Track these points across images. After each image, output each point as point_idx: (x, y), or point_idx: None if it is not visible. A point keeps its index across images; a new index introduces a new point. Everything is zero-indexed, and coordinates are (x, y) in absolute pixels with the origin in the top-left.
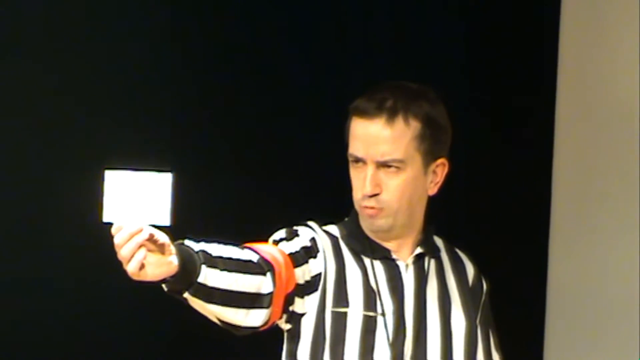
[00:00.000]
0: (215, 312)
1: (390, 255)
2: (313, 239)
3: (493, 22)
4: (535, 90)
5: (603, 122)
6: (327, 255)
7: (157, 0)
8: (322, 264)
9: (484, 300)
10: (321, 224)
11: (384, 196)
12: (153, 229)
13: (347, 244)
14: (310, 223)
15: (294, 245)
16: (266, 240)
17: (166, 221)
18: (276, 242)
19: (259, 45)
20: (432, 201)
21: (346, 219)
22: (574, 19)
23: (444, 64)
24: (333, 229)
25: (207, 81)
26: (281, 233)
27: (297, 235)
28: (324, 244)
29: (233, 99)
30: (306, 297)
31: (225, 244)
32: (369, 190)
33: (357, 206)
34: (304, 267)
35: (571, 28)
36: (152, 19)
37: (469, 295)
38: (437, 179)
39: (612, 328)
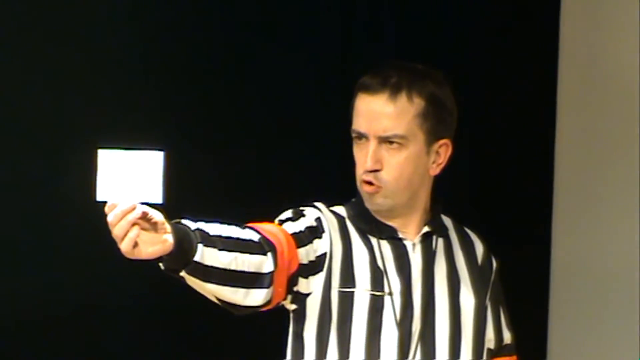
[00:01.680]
0: (213, 291)
1: (397, 235)
2: (319, 219)
3: (495, 15)
4: (537, 72)
5: (605, 106)
6: (333, 235)
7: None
8: (327, 244)
9: (494, 279)
10: (328, 205)
11: (383, 174)
12: (147, 207)
13: (354, 224)
14: (317, 204)
15: (299, 225)
16: (267, 219)
17: (159, 199)
18: (282, 222)
19: (255, 24)
20: (436, 181)
21: (353, 200)
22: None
23: (446, 54)
24: (340, 209)
25: (200, 59)
26: (287, 213)
27: (303, 215)
28: (330, 224)
29: (226, 77)
30: (311, 278)
31: (225, 222)
32: (369, 165)
33: (358, 183)
34: (308, 247)
35: (571, 18)
36: (144, 1)
37: (478, 273)
38: (440, 160)
39: (614, 305)
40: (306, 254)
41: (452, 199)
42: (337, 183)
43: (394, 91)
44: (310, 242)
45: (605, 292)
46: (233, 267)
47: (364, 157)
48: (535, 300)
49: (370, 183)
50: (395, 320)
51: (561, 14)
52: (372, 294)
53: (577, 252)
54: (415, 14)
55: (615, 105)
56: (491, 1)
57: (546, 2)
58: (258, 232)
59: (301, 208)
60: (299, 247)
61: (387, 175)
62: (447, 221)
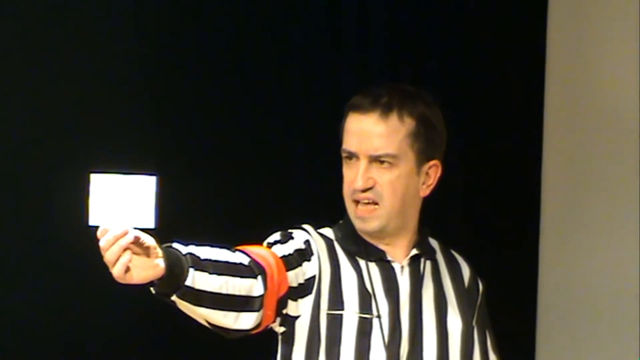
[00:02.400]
0: (204, 315)
1: (386, 257)
2: (307, 242)
3: (483, 22)
4: (523, 86)
5: (592, 119)
6: (321, 257)
7: (143, 4)
8: (316, 267)
9: (480, 302)
10: (316, 227)
11: (378, 189)
12: (139, 232)
13: (342, 246)
14: (305, 226)
15: (288, 248)
16: (258, 243)
17: (151, 224)
18: (270, 245)
19: (247, 48)
20: (424, 203)
21: (340, 222)
22: (560, 16)
23: (435, 65)
24: (328, 231)
25: (193, 84)
26: (276, 236)
27: (292, 238)
28: (319, 246)
29: (219, 102)
30: (300, 300)
31: (217, 246)
32: (360, 184)
33: (347, 203)
34: (297, 270)
35: (558, 25)
36: (138, 22)
37: (465, 296)
38: (430, 181)
39: (603, 328)
40: (295, 277)
41: (439, 219)
42: (326, 205)
43: (385, 111)
44: (300, 265)
45: (593, 315)
46: (224, 291)
47: (353, 175)
48: (523, 323)
49: (363, 202)
50: (384, 342)
51: (548, 25)
52: (360, 317)
53: (564, 275)
54: (403, 24)
55: (604, 120)
56: (476, 12)
57: (533, 15)
58: (248, 255)
59: (290, 230)
60: (288, 270)
61: (381, 190)
62: (434, 244)
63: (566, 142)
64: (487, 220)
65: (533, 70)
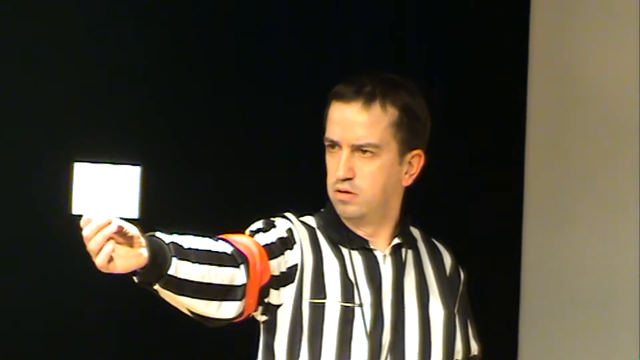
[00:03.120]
0: (186, 304)
1: (368, 246)
2: (290, 230)
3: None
4: (506, 77)
5: (576, 110)
6: (304, 246)
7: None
8: (298, 255)
9: (462, 290)
10: (298, 215)
11: (357, 181)
12: (122, 221)
13: (325, 234)
14: (287, 214)
15: (270, 237)
16: (241, 232)
17: (135, 214)
18: (253, 233)
19: (232, 39)
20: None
21: (322, 210)
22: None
23: (419, 59)
24: (310, 219)
25: (177, 75)
26: (258, 224)
27: (274, 226)
28: (301, 235)
29: (203, 92)
30: (282, 289)
31: (199, 235)
32: (341, 173)
33: (330, 192)
34: (280, 258)
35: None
36: (124, 11)
37: (447, 285)
38: (413, 171)
39: (585, 316)
40: (278, 265)
41: (423, 209)
42: (309, 194)
43: (368, 100)
44: (282, 253)
45: (576, 302)
46: (206, 280)
47: (336, 165)
48: (506, 312)
49: (346, 192)
50: (366, 331)
51: (530, 25)
52: (342, 306)
53: (547, 264)
54: (387, 23)
55: (588, 112)
56: (459, 14)
57: (515, 19)
58: (231, 244)
59: (272, 219)
60: (270, 258)
61: (361, 181)
62: (416, 232)
63: (549, 132)
64: (471, 212)
65: (516, 61)
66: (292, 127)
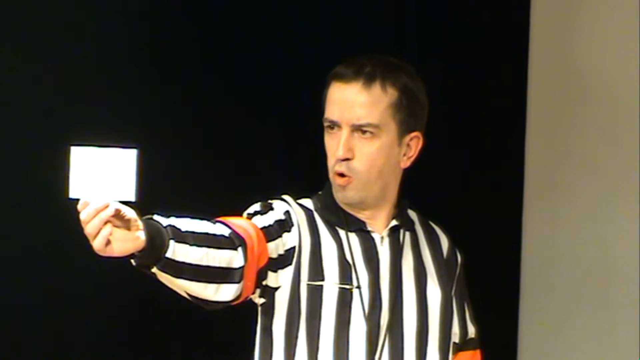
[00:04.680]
0: (184, 286)
1: (366, 228)
2: (287, 212)
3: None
4: (507, 74)
5: (575, 105)
6: (301, 228)
7: None
8: (296, 238)
9: (459, 273)
10: (296, 197)
11: (355, 164)
12: (119, 204)
13: (322, 217)
14: (285, 197)
15: (268, 219)
16: (239, 214)
17: (131, 197)
18: (250, 216)
19: (227, 21)
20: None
21: (320, 193)
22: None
23: (418, 56)
24: (308, 202)
25: (173, 57)
26: (256, 207)
27: (272, 208)
28: (299, 217)
29: (199, 75)
30: (280, 271)
31: (197, 218)
32: (341, 153)
33: (330, 175)
34: (278, 241)
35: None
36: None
37: (444, 267)
38: (411, 153)
39: (585, 301)
40: (275, 247)
41: (423, 194)
42: (305, 177)
43: (368, 80)
44: (280, 236)
45: (576, 290)
46: (204, 263)
47: (335, 145)
48: (506, 298)
49: (342, 175)
50: (364, 313)
51: (531, 21)
52: (340, 288)
53: (547, 250)
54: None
55: (587, 113)
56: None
57: (515, 16)
58: (228, 226)
59: (269, 201)
60: (268, 241)
61: (359, 164)
62: (413, 215)
63: (550, 126)
64: (470, 207)
65: (516, 58)
66: (291, 109)
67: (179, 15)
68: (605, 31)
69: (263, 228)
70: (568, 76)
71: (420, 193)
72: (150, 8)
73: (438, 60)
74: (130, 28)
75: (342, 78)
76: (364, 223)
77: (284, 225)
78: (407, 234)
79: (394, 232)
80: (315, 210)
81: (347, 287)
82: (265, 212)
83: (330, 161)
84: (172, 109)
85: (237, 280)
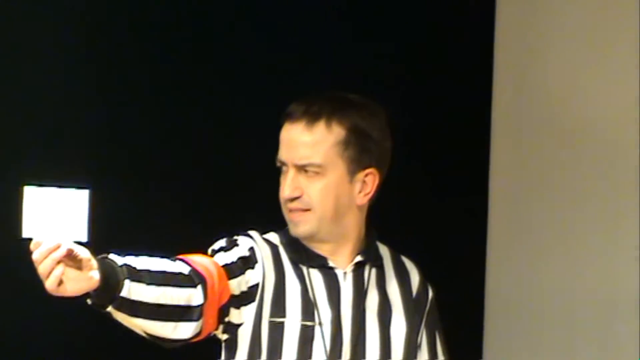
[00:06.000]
0: (141, 325)
1: (327, 264)
2: (252, 249)
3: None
4: (470, 93)
5: (540, 128)
6: (266, 265)
7: (76, 16)
8: (260, 275)
9: (429, 308)
10: (262, 232)
11: (305, 198)
12: (73, 244)
13: (286, 253)
14: (250, 232)
15: (231, 256)
16: (194, 253)
17: (84, 237)
18: (215, 252)
19: (179, 58)
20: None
21: (286, 227)
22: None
23: (379, 73)
24: (274, 237)
25: (124, 99)
26: (221, 242)
27: (237, 244)
28: (264, 253)
29: (149, 116)
30: (242, 308)
31: (157, 256)
32: (286, 193)
33: (284, 212)
34: (240, 278)
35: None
36: (68, 37)
37: (412, 304)
38: (368, 189)
39: (548, 333)
40: (238, 285)
41: (387, 225)
42: (262, 214)
43: (312, 120)
44: (243, 273)
45: (539, 328)
46: (161, 302)
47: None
48: (470, 328)
49: (296, 209)
50: (325, 350)
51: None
52: (302, 325)
53: (511, 280)
54: (346, 37)
55: (551, 123)
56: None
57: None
58: (189, 264)
59: (235, 237)
60: (230, 278)
61: (310, 199)
62: (384, 249)
63: (514, 146)
64: (435, 225)
65: (480, 86)
66: (246, 147)
67: (131, 57)
68: (570, 60)
69: (225, 265)
70: (532, 109)
71: (384, 228)
72: (101, 53)
73: (401, 94)
74: (83, 68)
75: (290, 117)
76: (325, 259)
77: (248, 262)
78: (374, 269)
79: (358, 268)
80: (281, 244)
81: (309, 324)
82: (230, 249)
83: (281, 199)
84: (125, 149)
85: (195, 318)
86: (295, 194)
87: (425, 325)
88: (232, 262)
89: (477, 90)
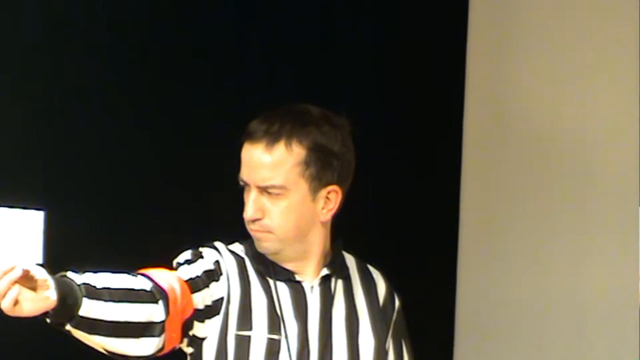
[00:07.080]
0: (101, 343)
1: (294, 277)
2: (217, 262)
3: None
4: (444, 97)
5: (512, 133)
6: (231, 278)
7: (33, 34)
8: (225, 288)
9: (396, 318)
10: (227, 243)
11: (266, 221)
12: (29, 265)
13: (252, 265)
14: (216, 244)
15: (196, 270)
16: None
17: (39, 259)
18: (180, 265)
19: (135, 78)
20: (340, 217)
21: (251, 239)
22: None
23: (351, 80)
24: (239, 248)
25: (81, 120)
26: (186, 255)
27: (202, 257)
28: (229, 266)
29: (107, 136)
30: (207, 321)
31: (118, 272)
32: (249, 215)
33: (247, 228)
34: (204, 291)
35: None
36: (29, 56)
37: (379, 314)
38: (331, 206)
39: (520, 345)
40: (202, 298)
41: (358, 235)
42: (229, 228)
43: (272, 141)
44: (207, 286)
45: (510, 332)
46: (121, 319)
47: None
48: (440, 339)
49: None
50: None
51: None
52: (269, 338)
53: (482, 293)
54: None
55: (523, 132)
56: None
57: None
58: (150, 279)
59: (200, 249)
60: (193, 292)
61: (270, 222)
62: (350, 260)
63: (485, 154)
64: (406, 233)
65: (452, 102)
66: (208, 159)
67: (87, 75)
68: (544, 68)
69: (189, 280)
70: (503, 123)
71: (354, 238)
72: (57, 66)
73: (370, 103)
74: (36, 86)
75: (251, 137)
76: (292, 273)
77: (213, 275)
78: (340, 281)
79: (325, 281)
80: (247, 256)
81: (276, 337)
82: (194, 261)
83: (245, 218)
84: (80, 170)
85: (157, 334)
86: (257, 216)
87: (392, 334)
88: (197, 276)
89: (448, 104)
